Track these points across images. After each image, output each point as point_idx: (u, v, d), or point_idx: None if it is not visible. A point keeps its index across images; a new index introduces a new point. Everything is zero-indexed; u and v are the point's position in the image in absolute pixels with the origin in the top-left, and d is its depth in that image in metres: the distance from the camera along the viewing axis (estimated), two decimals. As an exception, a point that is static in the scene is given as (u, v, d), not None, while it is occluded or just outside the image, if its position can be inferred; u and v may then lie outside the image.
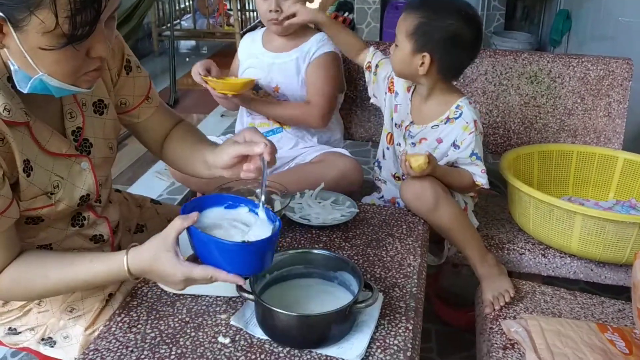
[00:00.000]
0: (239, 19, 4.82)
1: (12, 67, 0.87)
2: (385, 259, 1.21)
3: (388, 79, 1.60)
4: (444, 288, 1.98)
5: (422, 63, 1.40)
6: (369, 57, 1.66)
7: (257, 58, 1.81)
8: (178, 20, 5.35)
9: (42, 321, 1.11)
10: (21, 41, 0.81)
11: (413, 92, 1.54)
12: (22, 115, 0.91)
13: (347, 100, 1.95)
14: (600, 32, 3.15)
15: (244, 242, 0.92)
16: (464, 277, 1.93)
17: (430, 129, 1.48)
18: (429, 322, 1.84)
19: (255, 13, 5.49)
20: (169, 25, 4.38)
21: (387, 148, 1.62)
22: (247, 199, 1.03)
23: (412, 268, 1.18)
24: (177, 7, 5.39)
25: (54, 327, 1.11)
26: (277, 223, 0.96)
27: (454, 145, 1.44)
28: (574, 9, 3.58)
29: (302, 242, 1.26)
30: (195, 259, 0.95)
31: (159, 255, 0.91)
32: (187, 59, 5.15)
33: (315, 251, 1.09)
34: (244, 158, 1.05)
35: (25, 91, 0.88)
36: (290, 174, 1.68)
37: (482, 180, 1.44)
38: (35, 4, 0.77)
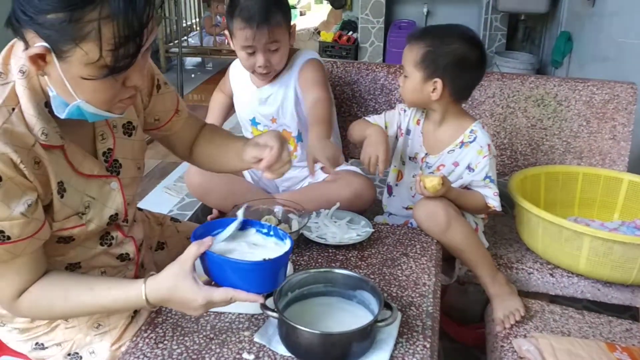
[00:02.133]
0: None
1: (50, 93, 0.91)
2: (400, 277, 1.24)
3: (398, 128, 1.63)
4: (450, 304, 2.00)
5: (434, 89, 1.44)
6: (380, 122, 1.62)
7: (246, 91, 1.81)
8: (185, 37, 5.42)
9: (69, 337, 1.13)
10: (63, 70, 0.85)
11: (423, 123, 1.58)
12: (57, 139, 0.95)
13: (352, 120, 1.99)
14: (601, 54, 3.21)
15: (261, 260, 0.96)
16: (470, 294, 1.96)
17: (447, 155, 1.52)
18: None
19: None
20: (176, 42, 4.45)
21: (396, 184, 1.66)
22: (254, 220, 1.08)
23: (427, 287, 1.21)
24: (185, 25, 5.47)
25: (80, 343, 1.13)
26: (289, 240, 1.01)
27: (469, 168, 1.48)
28: (575, 31, 3.65)
29: (320, 260, 1.30)
30: (209, 283, 0.98)
31: (178, 284, 0.94)
32: (193, 75, 5.21)
33: (336, 270, 1.12)
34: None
35: (62, 116, 0.92)
36: (304, 193, 1.72)
37: (494, 202, 1.48)
38: (81, 38, 0.81)
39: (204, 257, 0.95)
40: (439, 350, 1.83)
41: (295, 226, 1.36)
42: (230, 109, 1.99)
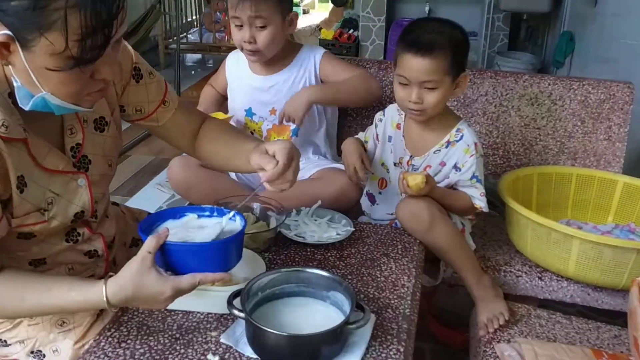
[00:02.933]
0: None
1: (15, 84, 0.88)
2: (379, 279, 1.20)
3: (374, 140, 1.60)
4: (439, 307, 1.96)
5: (458, 85, 1.41)
6: (362, 138, 1.64)
7: (244, 81, 1.79)
8: (185, 34, 5.40)
9: (32, 334, 1.10)
10: (27, 60, 0.81)
11: (404, 126, 1.53)
12: (20, 132, 0.91)
13: (348, 117, 1.96)
14: (603, 55, 3.16)
15: (223, 239, 0.97)
16: (460, 297, 1.91)
17: (433, 155, 1.47)
18: (424, 341, 1.83)
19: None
20: (175, 38, 4.43)
21: (380, 193, 1.60)
22: (192, 206, 1.08)
23: (406, 289, 1.17)
24: (184, 21, 5.44)
25: (43, 341, 1.10)
26: (238, 216, 1.04)
27: (455, 167, 1.44)
28: (577, 31, 3.59)
29: (297, 260, 1.26)
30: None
31: (143, 280, 0.90)
32: (193, 72, 5.19)
33: (308, 270, 1.08)
34: None
35: (26, 108, 0.89)
36: (288, 190, 1.68)
37: (481, 203, 1.43)
38: (46, 26, 0.77)
39: (162, 249, 0.93)
40: (425, 352, 1.81)
41: (273, 223, 1.32)
42: (220, 104, 1.96)
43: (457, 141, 1.44)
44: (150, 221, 1.01)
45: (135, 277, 0.90)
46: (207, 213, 1.06)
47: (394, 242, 1.35)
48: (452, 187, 1.47)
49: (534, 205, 1.73)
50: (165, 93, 1.20)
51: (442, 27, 1.39)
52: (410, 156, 1.51)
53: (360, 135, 1.65)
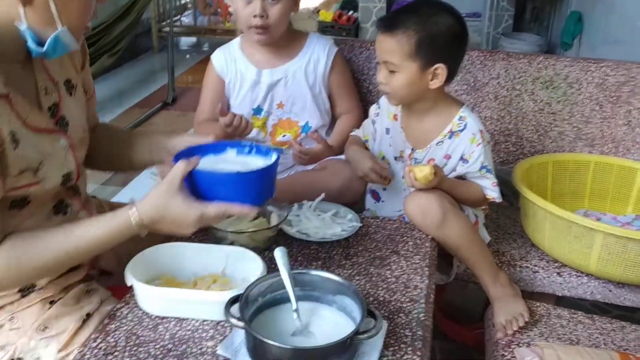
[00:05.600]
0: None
1: (21, 27, 0.87)
2: (389, 279, 1.11)
3: (374, 137, 1.51)
4: (448, 302, 1.88)
5: (435, 76, 1.28)
6: (361, 136, 1.55)
7: (246, 76, 1.64)
8: (178, 16, 5.24)
9: (13, 340, 1.01)
10: None
11: (402, 117, 1.43)
12: (1, 88, 0.87)
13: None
14: (613, 36, 3.05)
15: (253, 170, 0.97)
16: (470, 291, 1.83)
17: (436, 147, 1.36)
18: (432, 338, 1.73)
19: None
20: (168, 21, 4.29)
21: (384, 189, 1.49)
22: (234, 142, 1.09)
23: (419, 290, 1.07)
24: (178, 3, 5.29)
25: (24, 348, 1.01)
26: (275, 153, 1.03)
27: (462, 159, 1.34)
28: (586, 11, 3.47)
29: (299, 258, 1.16)
30: None
31: (169, 201, 0.92)
32: (188, 56, 5.05)
33: (313, 272, 0.98)
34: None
35: (36, 52, 0.90)
36: (290, 182, 1.58)
37: (493, 194, 1.33)
38: None
39: (191, 176, 0.94)
40: (435, 350, 1.73)
41: (274, 220, 1.21)
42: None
43: (461, 131, 1.34)
44: (189, 153, 1.00)
45: (163, 197, 0.92)
46: (246, 150, 1.07)
47: (404, 238, 1.25)
48: (461, 178, 1.37)
49: (549, 195, 1.63)
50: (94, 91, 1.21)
51: (430, 9, 1.27)
52: (412, 149, 1.40)
53: (358, 132, 1.55)
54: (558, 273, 1.44)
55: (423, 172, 1.21)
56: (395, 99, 1.34)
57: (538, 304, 1.30)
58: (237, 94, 1.67)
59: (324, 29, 4.77)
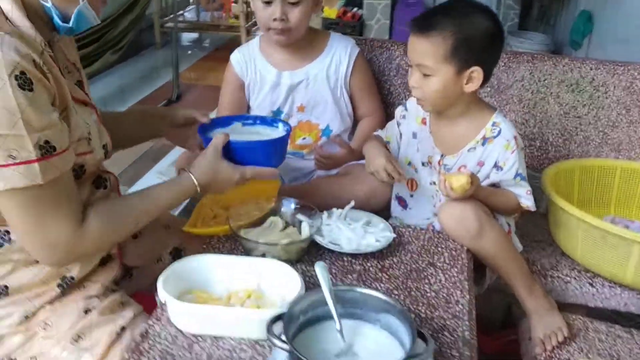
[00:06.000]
0: (245, 11, 4.65)
1: (46, 4, 0.90)
2: (429, 294, 1.07)
3: (397, 140, 1.46)
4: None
5: (470, 79, 1.23)
6: (383, 137, 1.50)
7: (266, 77, 1.59)
8: (181, 12, 5.16)
9: (46, 349, 0.98)
10: None
11: (430, 121, 1.38)
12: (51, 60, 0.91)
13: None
14: (624, 36, 3.01)
15: (277, 137, 1.22)
16: (492, 300, 1.79)
17: (467, 153, 1.32)
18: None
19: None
20: (172, 16, 4.21)
21: (411, 196, 1.45)
22: (235, 115, 1.36)
23: (461, 306, 1.03)
24: (180, -2, 5.21)
25: (57, 358, 0.98)
26: (281, 124, 1.28)
27: (496, 166, 1.29)
28: (596, 10, 3.43)
29: (334, 271, 1.12)
30: None
31: (217, 165, 1.10)
32: (189, 52, 4.98)
33: (358, 290, 0.94)
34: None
35: (63, 29, 0.93)
36: (312, 187, 1.53)
37: (528, 202, 1.30)
38: None
39: (225, 145, 1.12)
40: None
41: (305, 229, 1.17)
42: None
43: (495, 137, 1.29)
44: (211, 125, 1.24)
45: (212, 163, 1.10)
46: (250, 121, 1.31)
47: (439, 249, 1.21)
48: (494, 185, 1.33)
49: (576, 201, 1.60)
50: None
51: (466, 9, 1.23)
52: (441, 155, 1.36)
53: (381, 133, 1.50)
54: (591, 283, 1.40)
55: (460, 182, 1.17)
56: (429, 103, 1.29)
57: (574, 317, 1.27)
58: (257, 96, 1.62)
59: (328, 25, 4.71)
